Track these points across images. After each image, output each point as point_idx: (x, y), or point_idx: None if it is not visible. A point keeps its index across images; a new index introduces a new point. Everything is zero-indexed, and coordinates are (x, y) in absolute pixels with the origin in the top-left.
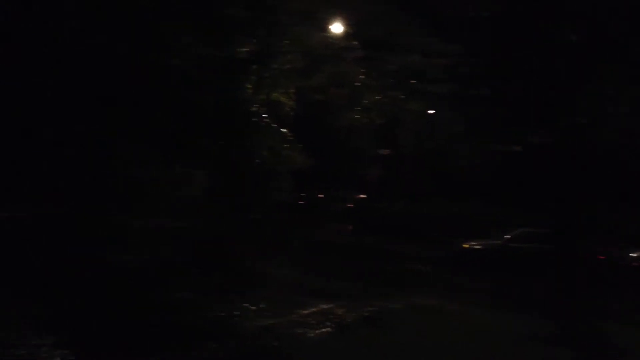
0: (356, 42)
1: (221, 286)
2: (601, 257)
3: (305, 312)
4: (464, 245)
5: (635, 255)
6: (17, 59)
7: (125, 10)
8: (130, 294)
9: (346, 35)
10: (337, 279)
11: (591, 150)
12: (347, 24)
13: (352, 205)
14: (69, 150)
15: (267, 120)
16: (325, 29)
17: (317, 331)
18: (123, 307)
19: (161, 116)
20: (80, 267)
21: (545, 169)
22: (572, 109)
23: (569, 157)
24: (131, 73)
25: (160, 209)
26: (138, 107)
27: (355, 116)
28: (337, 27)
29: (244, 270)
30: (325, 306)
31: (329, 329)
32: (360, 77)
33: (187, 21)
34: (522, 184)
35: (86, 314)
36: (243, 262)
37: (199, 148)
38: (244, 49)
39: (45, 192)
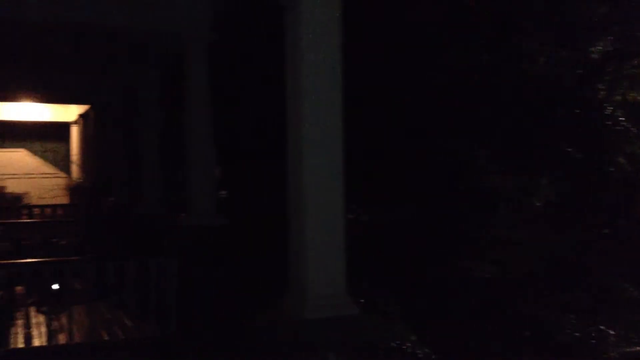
0: None
1: (575, 304)
2: None
3: None
4: None
5: None
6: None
7: (481, 17)
8: (483, 304)
9: None
10: None
11: None
12: None
13: None
14: (427, 156)
15: (625, 123)
16: None
17: None
18: (476, 316)
19: (510, 122)
20: (434, 272)
21: None
22: None
23: None
24: (484, 81)
25: (507, 219)
26: (491, 114)
27: None
28: None
29: (600, 289)
30: None
31: None
32: None
33: (539, 24)
34: None
35: (441, 317)
36: (598, 280)
37: (543, 155)
38: (598, 48)
39: (400, 197)
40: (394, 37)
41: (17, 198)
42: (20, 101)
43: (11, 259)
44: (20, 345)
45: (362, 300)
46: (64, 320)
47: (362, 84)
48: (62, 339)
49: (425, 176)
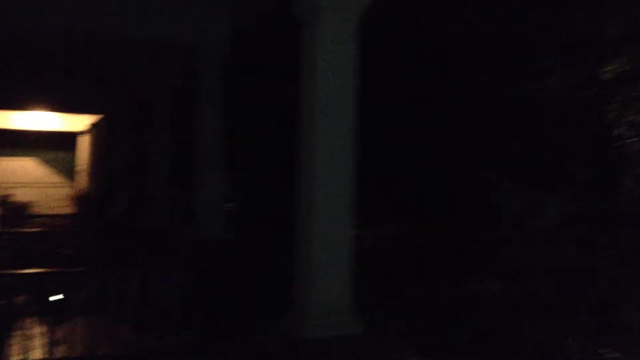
0: None
1: (579, 327)
2: None
3: None
4: None
5: None
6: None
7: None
8: (490, 325)
9: None
10: None
11: None
12: None
13: None
14: (433, 172)
15: (634, 145)
16: None
17: None
18: (482, 337)
19: (521, 140)
20: (440, 291)
21: None
22: None
23: None
24: (495, 98)
25: (515, 238)
26: (500, 131)
27: None
28: None
29: (607, 312)
30: None
31: None
32: None
33: (550, 41)
34: None
35: (447, 338)
36: (606, 303)
37: (552, 174)
38: (610, 68)
39: (407, 213)
40: (406, 54)
41: (23, 207)
42: (31, 110)
43: (16, 268)
44: (18, 357)
45: (366, 318)
46: (65, 331)
47: (371, 101)
48: (62, 351)
49: (433, 192)
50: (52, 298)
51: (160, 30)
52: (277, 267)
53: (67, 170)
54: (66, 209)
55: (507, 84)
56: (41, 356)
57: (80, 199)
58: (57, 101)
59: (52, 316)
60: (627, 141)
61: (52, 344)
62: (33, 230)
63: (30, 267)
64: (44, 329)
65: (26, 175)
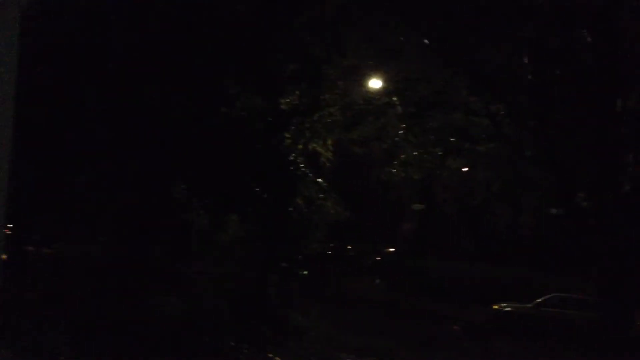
0: (396, 99)
1: (256, 335)
2: None
3: None
4: (494, 307)
5: None
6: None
7: (182, 62)
8: (173, 339)
9: (389, 91)
10: (367, 335)
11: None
12: (391, 80)
13: (380, 259)
14: (123, 191)
15: (304, 169)
16: (368, 84)
17: None
18: (167, 353)
19: (204, 161)
20: (124, 309)
21: (590, 234)
22: (617, 174)
23: (614, 223)
24: (184, 120)
25: (200, 254)
26: (186, 151)
27: (392, 170)
28: (379, 83)
29: (277, 320)
30: None
31: None
32: (400, 132)
33: (236, 71)
34: (566, 249)
35: (124, 356)
36: (277, 312)
37: (235, 194)
38: (287, 100)
39: (96, 232)
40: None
41: None
42: None
43: None
44: None
45: (25, 344)
46: None
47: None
48: None
49: (118, 210)
50: None
51: None
52: None
53: None
54: None
55: (198, 106)
56: None
57: None
58: None
59: None
60: (300, 166)
61: None
62: None
63: None
64: None
65: None
